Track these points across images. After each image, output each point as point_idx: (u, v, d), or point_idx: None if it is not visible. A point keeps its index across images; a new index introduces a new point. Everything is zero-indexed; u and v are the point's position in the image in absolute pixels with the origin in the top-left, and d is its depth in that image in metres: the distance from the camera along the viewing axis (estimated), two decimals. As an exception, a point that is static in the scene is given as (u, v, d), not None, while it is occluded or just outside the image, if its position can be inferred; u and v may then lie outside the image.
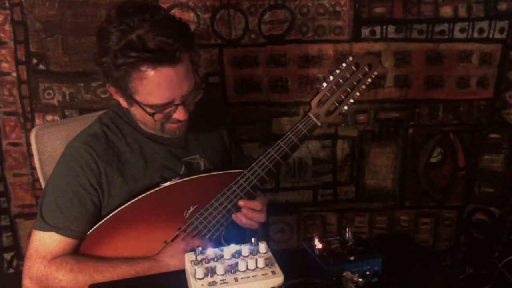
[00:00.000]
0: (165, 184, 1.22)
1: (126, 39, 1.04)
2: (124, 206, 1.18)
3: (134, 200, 1.19)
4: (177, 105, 1.12)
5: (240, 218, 1.22)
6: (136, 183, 1.22)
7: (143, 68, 1.05)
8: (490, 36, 1.85)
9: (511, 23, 1.84)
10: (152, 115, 1.13)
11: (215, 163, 1.35)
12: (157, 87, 1.07)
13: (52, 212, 1.17)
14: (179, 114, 1.14)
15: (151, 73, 1.05)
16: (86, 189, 1.18)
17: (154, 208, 1.20)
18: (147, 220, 1.19)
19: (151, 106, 1.11)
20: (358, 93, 1.25)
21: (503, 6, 1.82)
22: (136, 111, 1.17)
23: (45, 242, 1.16)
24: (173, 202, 1.21)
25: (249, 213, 1.22)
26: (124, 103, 1.17)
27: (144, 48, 1.03)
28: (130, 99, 1.13)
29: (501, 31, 1.85)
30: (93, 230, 1.18)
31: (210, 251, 0.96)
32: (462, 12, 1.82)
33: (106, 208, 1.21)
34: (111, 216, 1.18)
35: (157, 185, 1.23)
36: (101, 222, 1.18)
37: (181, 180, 1.23)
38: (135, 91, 1.10)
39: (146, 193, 1.20)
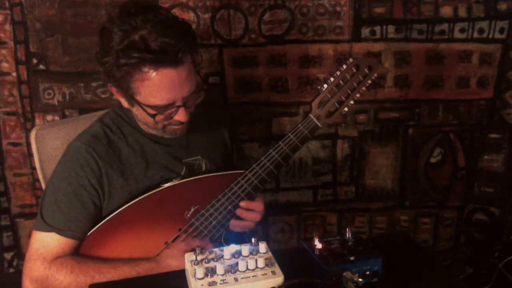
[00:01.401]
0: (166, 185, 1.22)
1: (128, 40, 1.04)
2: (124, 206, 1.18)
3: (134, 200, 1.19)
4: (178, 107, 1.12)
5: (236, 224, 1.23)
6: (137, 183, 1.22)
7: (145, 69, 1.05)
8: (490, 36, 1.86)
9: (511, 23, 1.84)
10: (153, 116, 1.13)
11: (217, 164, 1.35)
12: (158, 88, 1.07)
13: (53, 213, 1.17)
14: (180, 116, 1.14)
15: (152, 74, 1.05)
16: (86, 190, 1.18)
17: (154, 208, 1.20)
18: (148, 220, 1.19)
19: (152, 107, 1.11)
20: (358, 95, 1.25)
21: (503, 6, 1.83)
22: (138, 112, 1.17)
23: (45, 242, 1.16)
24: (174, 203, 1.22)
25: (243, 213, 1.22)
26: (125, 104, 1.17)
27: (146, 49, 1.03)
28: (132, 99, 1.13)
29: (501, 31, 1.85)
30: (94, 230, 1.18)
31: (210, 251, 0.97)
32: (462, 12, 1.83)
33: (106, 208, 1.21)
34: (111, 217, 1.18)
35: (158, 185, 1.23)
36: (101, 222, 1.18)
37: (182, 180, 1.23)
38: (137, 91, 1.10)
39: (147, 194, 1.20)
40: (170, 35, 1.04)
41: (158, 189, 1.21)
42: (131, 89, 1.10)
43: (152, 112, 1.12)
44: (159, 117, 1.14)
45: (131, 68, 1.05)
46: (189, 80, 1.10)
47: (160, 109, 1.11)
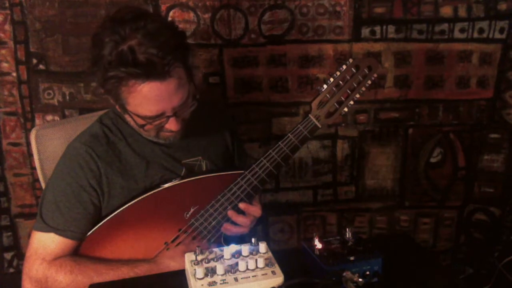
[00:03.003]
0: (166, 185, 1.22)
1: (117, 50, 1.03)
2: (124, 207, 1.18)
3: (134, 201, 1.19)
4: (169, 117, 1.12)
5: (229, 229, 1.22)
6: (137, 184, 1.22)
7: (131, 83, 1.05)
8: (490, 36, 1.85)
9: (511, 23, 1.84)
10: (142, 126, 1.13)
11: (218, 165, 1.35)
12: (146, 100, 1.07)
13: (52, 213, 1.17)
14: (171, 125, 1.14)
15: (139, 87, 1.05)
16: (86, 190, 1.18)
17: (154, 209, 1.20)
18: (147, 221, 1.19)
19: (141, 117, 1.12)
20: (358, 95, 1.25)
21: (503, 6, 1.82)
22: (129, 119, 1.17)
23: (44, 243, 1.16)
24: (174, 203, 1.21)
25: (233, 216, 1.21)
26: (119, 109, 1.18)
27: (133, 63, 1.02)
28: (122, 108, 1.14)
29: (501, 31, 1.85)
30: (93, 231, 1.18)
31: (210, 251, 0.97)
32: (462, 12, 1.82)
33: (106, 209, 1.21)
34: (111, 217, 1.18)
35: (158, 186, 1.22)
36: (101, 223, 1.18)
37: (182, 181, 1.23)
38: (126, 102, 1.10)
39: (147, 194, 1.20)
40: (160, 46, 1.02)
41: (158, 189, 1.21)
42: (121, 99, 1.10)
43: (142, 122, 1.12)
44: (149, 127, 1.14)
45: (118, 82, 1.05)
46: (178, 91, 1.09)
47: (149, 119, 1.12)
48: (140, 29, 1.03)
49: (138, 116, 1.11)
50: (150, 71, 1.03)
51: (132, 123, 1.18)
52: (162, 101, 1.08)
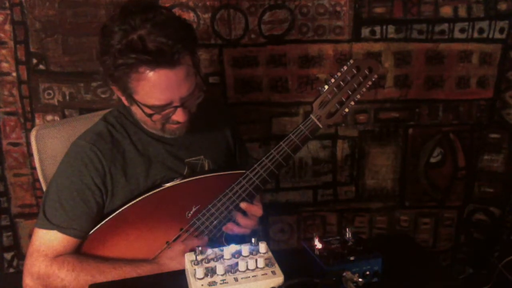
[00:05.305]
0: (168, 184, 1.22)
1: (127, 39, 1.04)
2: (126, 206, 1.19)
3: (136, 200, 1.19)
4: (176, 107, 1.12)
5: (231, 228, 1.22)
6: (139, 183, 1.22)
7: (142, 70, 1.05)
8: (490, 36, 1.85)
9: (511, 23, 1.84)
10: (150, 115, 1.13)
11: (219, 164, 1.35)
12: (155, 88, 1.08)
13: (56, 211, 1.17)
14: (178, 116, 1.14)
15: (149, 74, 1.06)
16: (90, 189, 1.18)
17: (156, 208, 1.20)
18: (149, 220, 1.19)
19: (149, 107, 1.12)
20: (359, 96, 1.25)
21: (503, 6, 1.82)
22: (136, 111, 1.17)
23: (47, 240, 1.16)
24: (175, 203, 1.22)
25: (242, 220, 1.22)
26: (125, 101, 1.18)
27: (143, 50, 1.03)
28: (130, 98, 1.14)
29: (501, 31, 1.85)
30: (96, 229, 1.18)
31: (210, 251, 0.97)
32: (462, 12, 1.82)
33: (108, 207, 1.21)
34: (113, 216, 1.18)
35: (160, 185, 1.23)
36: (103, 221, 1.18)
37: (184, 180, 1.23)
38: (134, 91, 1.10)
39: (149, 193, 1.20)
40: (169, 36, 1.04)
41: (160, 188, 1.21)
42: (129, 88, 1.10)
43: (149, 111, 1.13)
44: (156, 117, 1.14)
45: (128, 68, 1.06)
46: (187, 80, 1.10)
47: (157, 109, 1.12)
48: (149, 20, 1.04)
49: (146, 105, 1.12)
50: (160, 58, 1.04)
51: (138, 115, 1.18)
52: (171, 89, 1.09)
